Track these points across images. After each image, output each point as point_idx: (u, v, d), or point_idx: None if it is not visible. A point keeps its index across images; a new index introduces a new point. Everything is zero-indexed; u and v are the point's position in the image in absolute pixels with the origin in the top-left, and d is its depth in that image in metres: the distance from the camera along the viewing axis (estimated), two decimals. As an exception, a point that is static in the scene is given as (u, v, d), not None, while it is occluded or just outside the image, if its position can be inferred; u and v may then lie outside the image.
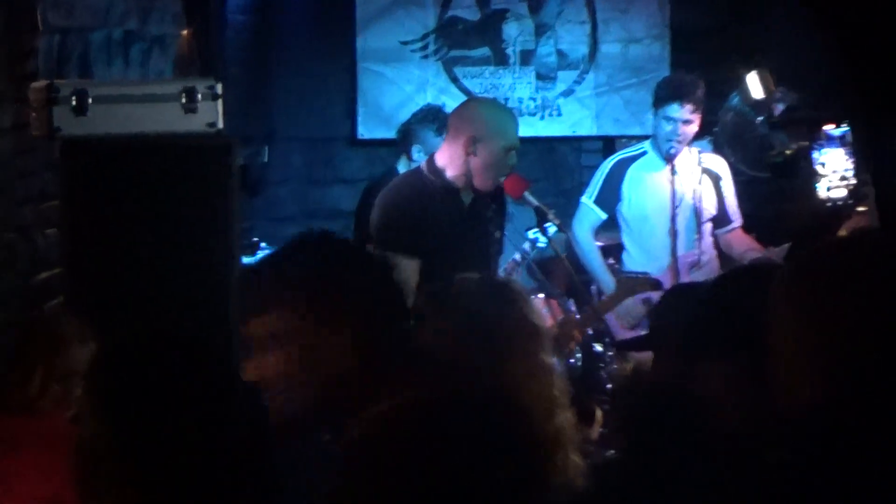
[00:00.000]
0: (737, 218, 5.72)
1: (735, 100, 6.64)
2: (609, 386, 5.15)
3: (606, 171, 5.69)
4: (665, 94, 5.45)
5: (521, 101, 7.29)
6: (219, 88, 3.25)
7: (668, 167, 5.42)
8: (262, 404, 2.09)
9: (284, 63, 7.16)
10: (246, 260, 5.10)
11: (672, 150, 5.41)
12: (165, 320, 3.14)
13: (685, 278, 5.37)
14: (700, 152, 5.68)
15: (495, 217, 4.55)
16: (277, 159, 7.20)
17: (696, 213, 5.52)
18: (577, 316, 5.19)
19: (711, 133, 6.62)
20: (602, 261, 5.64)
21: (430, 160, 4.43)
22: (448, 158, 4.37)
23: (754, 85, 6.29)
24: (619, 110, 7.31)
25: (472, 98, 4.58)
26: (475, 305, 2.75)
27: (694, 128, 5.46)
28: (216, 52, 5.86)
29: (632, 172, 5.62)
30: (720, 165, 5.71)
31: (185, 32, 5.34)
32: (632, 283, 5.12)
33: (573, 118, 7.34)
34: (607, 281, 5.56)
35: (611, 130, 7.33)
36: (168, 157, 3.20)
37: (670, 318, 2.55)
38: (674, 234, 5.31)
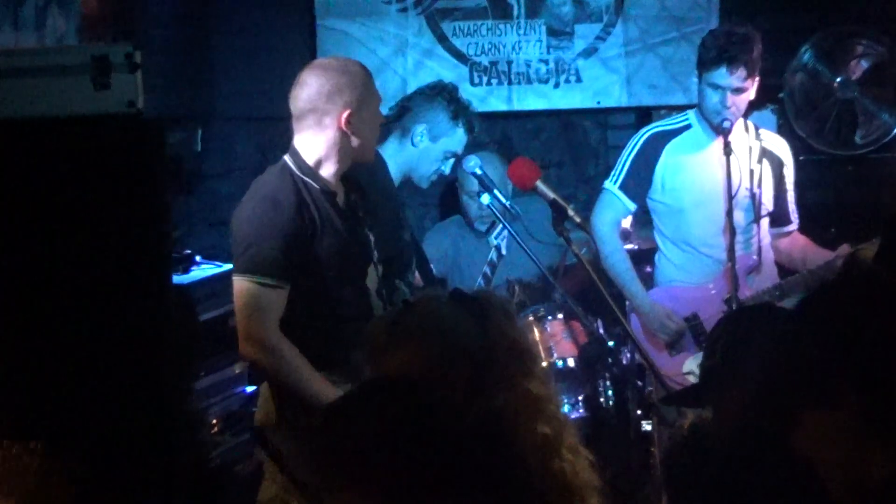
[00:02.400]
0: (795, 217, 5.66)
1: (806, 56, 6.53)
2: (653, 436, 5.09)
3: (637, 146, 5.58)
4: (709, 55, 5.31)
5: (528, 64, 7.20)
6: (138, 56, 3.19)
7: (721, 144, 5.30)
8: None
9: (225, 23, 7.09)
10: (178, 279, 5.02)
11: (726, 123, 5.31)
12: (81, 346, 3.14)
13: (744, 289, 5.29)
14: (757, 128, 5.61)
15: (367, 215, 4.56)
16: (217, 145, 7.13)
17: (755, 203, 5.45)
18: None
19: (775, 101, 6.55)
20: (629, 263, 5.53)
21: (297, 156, 4.41)
22: (323, 152, 4.40)
23: None
24: (655, 73, 7.22)
25: (314, 63, 4.43)
26: (446, 326, 2.87)
27: (748, 97, 5.34)
28: (134, 9, 5.80)
29: (669, 151, 5.52)
30: (782, 148, 5.62)
31: (92, -16, 5.30)
32: None
33: (597, 85, 7.25)
34: (635, 290, 5.47)
35: (645, 99, 7.24)
36: (72, 146, 3.15)
37: (747, 354, 2.45)
38: (731, 231, 5.20)
